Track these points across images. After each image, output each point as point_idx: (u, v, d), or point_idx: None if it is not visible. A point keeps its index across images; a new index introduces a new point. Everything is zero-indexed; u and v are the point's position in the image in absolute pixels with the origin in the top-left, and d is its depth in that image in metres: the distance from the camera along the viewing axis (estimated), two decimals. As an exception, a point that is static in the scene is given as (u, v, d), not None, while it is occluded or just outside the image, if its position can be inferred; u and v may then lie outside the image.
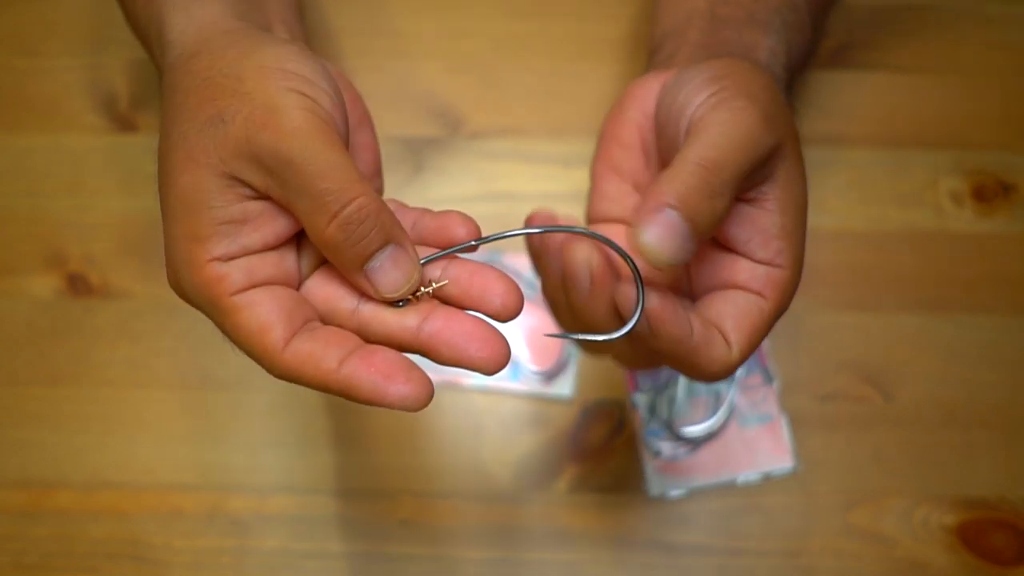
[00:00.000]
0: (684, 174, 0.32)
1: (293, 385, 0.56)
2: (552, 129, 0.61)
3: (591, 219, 0.42)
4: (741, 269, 0.35)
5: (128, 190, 0.60)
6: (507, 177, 0.60)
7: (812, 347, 0.57)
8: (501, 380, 0.56)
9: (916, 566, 0.53)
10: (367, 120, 0.39)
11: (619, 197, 0.41)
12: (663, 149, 0.38)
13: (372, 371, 0.30)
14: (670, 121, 0.37)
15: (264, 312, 0.31)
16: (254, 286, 0.31)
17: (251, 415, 0.56)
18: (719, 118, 0.33)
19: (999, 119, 0.62)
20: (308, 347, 0.31)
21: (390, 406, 0.31)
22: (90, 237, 0.59)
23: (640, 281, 0.33)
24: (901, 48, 0.64)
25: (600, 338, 0.34)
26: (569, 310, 0.36)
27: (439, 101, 0.62)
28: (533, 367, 0.57)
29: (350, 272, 0.32)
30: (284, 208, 0.32)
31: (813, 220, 0.38)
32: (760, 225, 0.35)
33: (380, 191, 0.40)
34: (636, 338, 0.34)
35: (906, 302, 0.58)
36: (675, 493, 0.54)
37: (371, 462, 0.55)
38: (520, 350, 0.57)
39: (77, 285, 0.58)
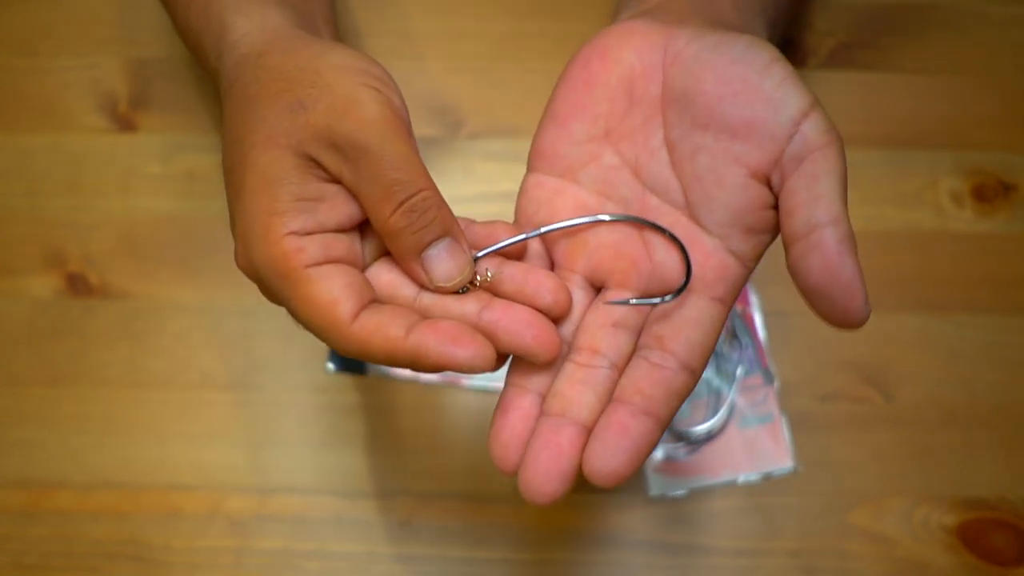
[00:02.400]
0: (825, 240, 0.31)
1: (293, 385, 0.56)
2: (552, 129, 0.61)
3: (541, 155, 0.38)
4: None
5: (128, 190, 0.60)
6: (507, 177, 0.60)
7: (812, 347, 0.57)
8: (502, 380, 0.56)
9: (916, 566, 0.53)
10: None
11: (585, 141, 0.37)
12: (701, 128, 0.34)
13: (439, 336, 0.32)
14: (752, 124, 0.33)
15: (336, 285, 0.32)
16: (328, 262, 0.33)
17: (251, 415, 0.56)
18: (824, 163, 0.33)
19: (999, 119, 0.62)
20: (375, 319, 0.32)
21: (459, 368, 0.32)
22: (90, 237, 0.59)
23: (686, 254, 0.34)
24: (901, 48, 0.64)
25: (655, 301, 0.34)
26: None
27: (439, 101, 0.62)
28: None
29: (408, 259, 0.34)
30: (353, 194, 0.33)
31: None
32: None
33: None
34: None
35: (906, 302, 0.58)
36: (675, 493, 0.54)
37: (371, 462, 0.55)
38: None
39: (76, 285, 0.58)
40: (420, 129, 0.61)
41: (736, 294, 0.35)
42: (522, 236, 0.36)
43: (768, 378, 0.56)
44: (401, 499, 0.54)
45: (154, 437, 0.55)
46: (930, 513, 0.54)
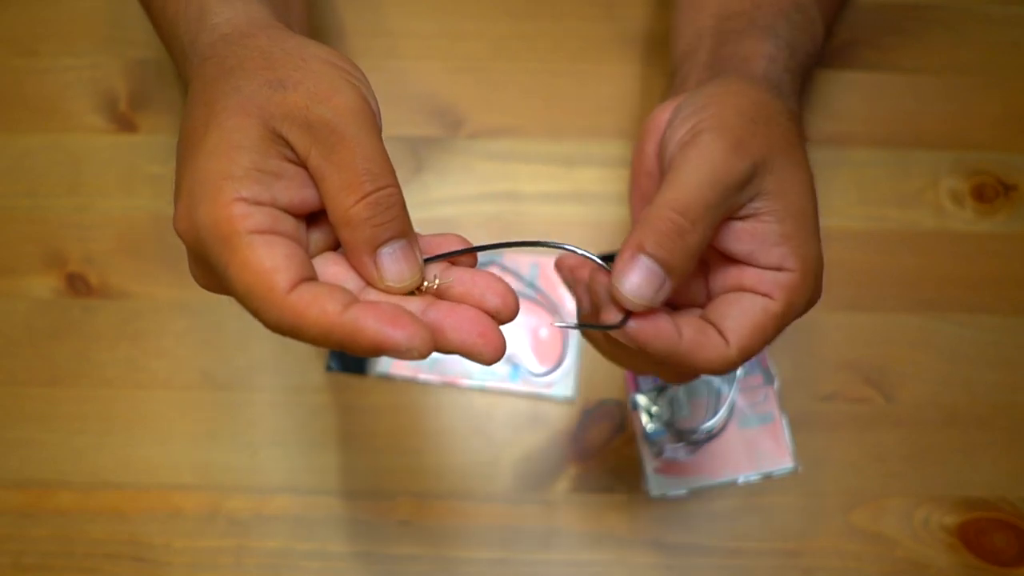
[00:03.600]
0: (654, 219, 0.34)
1: (293, 385, 0.56)
2: (552, 129, 0.61)
3: None
4: (749, 275, 0.37)
5: (128, 190, 0.60)
6: (507, 177, 0.60)
7: (812, 347, 0.57)
8: (501, 380, 0.56)
9: (916, 566, 0.53)
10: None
11: None
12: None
13: (378, 315, 0.31)
14: (662, 156, 0.38)
15: (277, 254, 0.31)
16: (273, 233, 0.32)
17: (251, 415, 0.56)
18: (686, 157, 0.35)
19: (999, 119, 0.62)
20: (313, 291, 0.31)
21: (394, 350, 0.31)
22: (89, 237, 0.59)
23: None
24: (902, 48, 0.64)
25: (604, 327, 0.35)
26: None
27: (439, 101, 0.62)
28: (534, 368, 0.56)
29: (361, 252, 0.33)
30: (315, 179, 0.33)
31: (814, 220, 0.38)
32: (759, 236, 0.36)
33: None
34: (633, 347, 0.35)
35: (906, 302, 0.58)
36: (675, 493, 0.54)
37: (371, 462, 0.55)
38: (521, 351, 0.57)
39: (76, 285, 0.58)
40: (420, 129, 0.61)
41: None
42: (472, 247, 0.35)
43: (768, 378, 0.56)
44: (401, 499, 0.54)
45: (154, 437, 0.55)
46: (930, 513, 0.54)
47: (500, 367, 0.56)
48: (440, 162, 0.60)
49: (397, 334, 0.30)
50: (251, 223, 0.31)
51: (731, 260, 0.37)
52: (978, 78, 0.63)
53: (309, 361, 0.57)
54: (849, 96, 0.63)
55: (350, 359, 0.57)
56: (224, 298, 0.57)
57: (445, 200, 0.59)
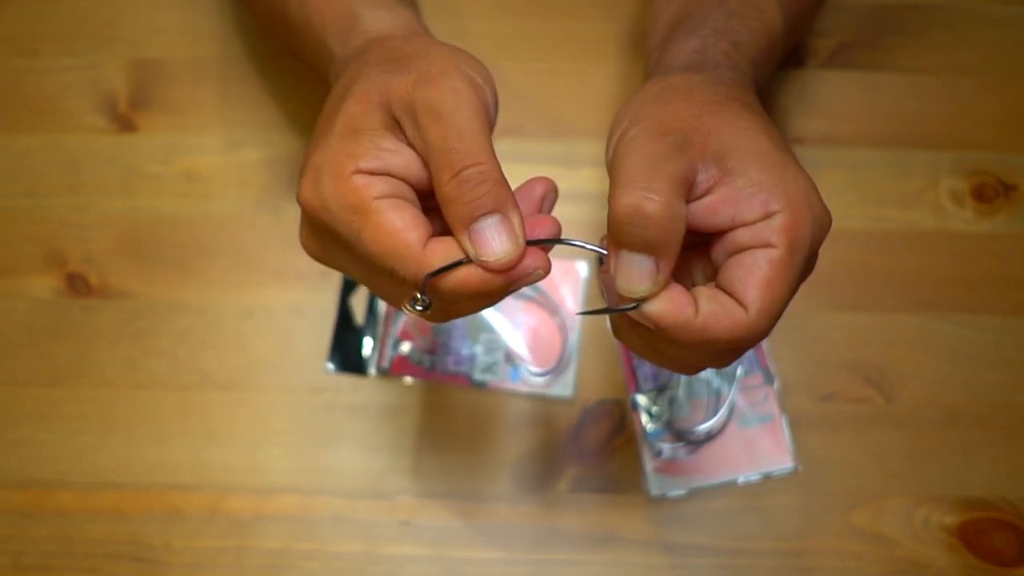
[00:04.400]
0: (613, 213, 0.34)
1: (292, 385, 0.56)
2: (552, 129, 0.61)
3: None
4: (743, 233, 0.35)
5: (128, 190, 0.60)
6: (507, 177, 0.60)
7: (812, 347, 0.57)
8: (501, 380, 0.56)
9: (917, 566, 0.53)
10: None
11: None
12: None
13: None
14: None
15: (405, 215, 0.34)
16: (396, 197, 0.35)
17: (251, 415, 0.56)
18: (618, 157, 0.35)
19: (999, 119, 0.62)
20: (444, 244, 0.34)
21: (524, 273, 0.34)
22: (90, 237, 0.59)
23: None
24: (901, 48, 0.64)
25: (625, 308, 0.35)
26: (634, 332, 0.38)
27: (439, 101, 0.62)
28: (533, 367, 0.57)
29: (457, 228, 0.34)
30: (423, 161, 0.35)
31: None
32: (731, 198, 0.35)
33: None
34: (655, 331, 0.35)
35: (906, 302, 0.58)
36: (675, 493, 0.54)
37: (371, 462, 0.55)
38: (521, 351, 0.57)
39: (76, 285, 0.58)
40: (420, 129, 0.61)
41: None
42: (550, 240, 0.36)
43: (768, 378, 0.56)
44: (401, 499, 0.54)
45: (154, 437, 0.55)
46: (930, 513, 0.54)
47: (500, 367, 0.56)
48: (440, 162, 0.60)
49: (527, 262, 0.34)
50: (375, 191, 0.34)
51: (722, 233, 0.36)
52: (978, 78, 0.63)
53: (309, 361, 0.57)
54: (849, 96, 0.63)
55: (350, 359, 0.57)
56: (224, 298, 0.58)
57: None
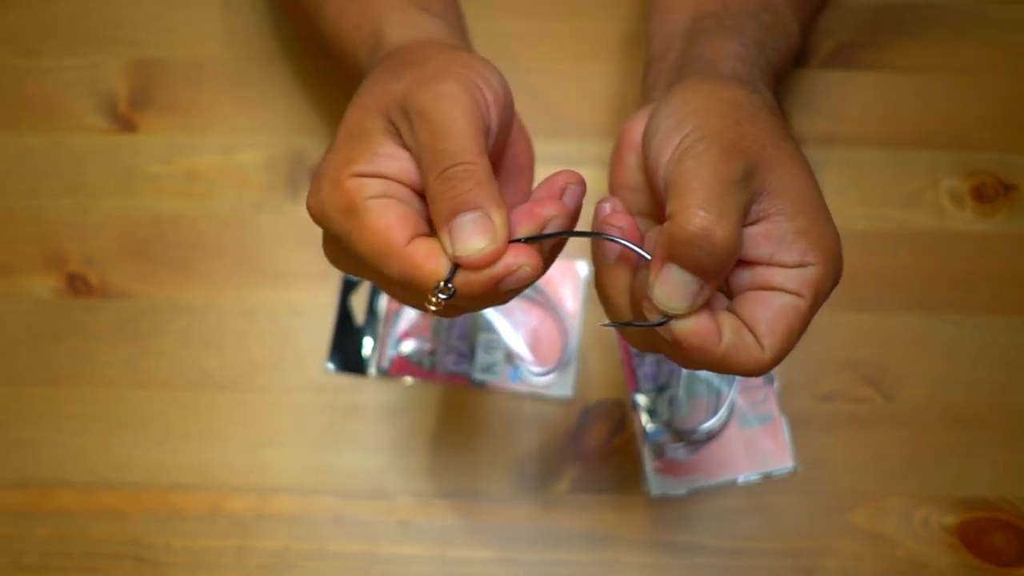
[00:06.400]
0: (678, 228, 0.33)
1: (292, 385, 0.56)
2: (552, 129, 0.61)
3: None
4: (776, 274, 0.36)
5: (128, 190, 0.60)
6: (507, 177, 0.60)
7: (812, 347, 0.57)
8: (501, 380, 0.56)
9: (916, 566, 0.53)
10: (527, 151, 0.46)
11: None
12: (657, 194, 0.39)
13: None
14: (653, 175, 0.38)
15: (392, 214, 0.34)
16: (387, 197, 0.35)
17: (251, 415, 0.56)
18: (684, 169, 0.35)
19: (999, 119, 0.62)
20: (427, 244, 0.34)
21: (508, 277, 0.34)
22: (90, 237, 0.59)
23: None
24: (901, 48, 0.64)
25: (650, 323, 0.35)
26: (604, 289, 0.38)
27: (439, 101, 0.62)
28: (533, 367, 0.57)
29: (439, 225, 0.34)
30: (416, 164, 0.36)
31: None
32: (775, 237, 0.36)
33: (527, 192, 0.44)
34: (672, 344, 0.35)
35: (906, 302, 0.58)
36: (675, 493, 0.54)
37: (371, 462, 0.55)
38: (521, 350, 0.57)
39: (77, 285, 0.58)
40: (420, 129, 0.61)
41: None
42: (555, 233, 0.37)
43: (768, 378, 0.56)
44: (401, 499, 0.54)
45: (154, 437, 0.55)
46: (930, 513, 0.54)
47: (500, 367, 0.56)
48: (440, 162, 0.60)
49: (514, 260, 0.34)
50: (367, 192, 0.34)
51: (755, 263, 0.37)
52: (978, 78, 0.63)
53: (309, 361, 0.57)
54: (849, 96, 0.63)
55: (350, 359, 0.57)
56: (224, 298, 0.58)
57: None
